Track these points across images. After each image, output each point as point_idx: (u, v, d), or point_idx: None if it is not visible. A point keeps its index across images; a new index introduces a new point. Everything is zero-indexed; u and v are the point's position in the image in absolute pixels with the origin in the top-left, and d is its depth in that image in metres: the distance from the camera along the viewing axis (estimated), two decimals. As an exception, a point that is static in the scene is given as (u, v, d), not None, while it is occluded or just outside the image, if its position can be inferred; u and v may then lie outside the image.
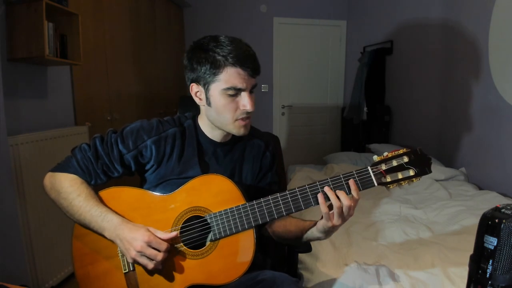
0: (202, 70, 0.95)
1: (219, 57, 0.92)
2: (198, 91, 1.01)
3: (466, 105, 2.73)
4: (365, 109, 3.82)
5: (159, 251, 0.88)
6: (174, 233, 0.91)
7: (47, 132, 1.95)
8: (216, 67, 0.93)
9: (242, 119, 0.98)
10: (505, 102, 2.33)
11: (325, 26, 4.58)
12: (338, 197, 0.88)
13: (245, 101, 0.95)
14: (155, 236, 0.89)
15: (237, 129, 0.99)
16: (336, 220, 0.89)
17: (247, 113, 0.97)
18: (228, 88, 0.94)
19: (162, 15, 3.72)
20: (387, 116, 3.79)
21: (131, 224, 0.91)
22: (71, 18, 2.00)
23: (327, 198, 0.89)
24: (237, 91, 0.95)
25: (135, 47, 3.12)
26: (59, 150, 1.99)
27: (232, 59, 0.92)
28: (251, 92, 0.97)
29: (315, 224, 0.97)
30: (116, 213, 0.94)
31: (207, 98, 0.99)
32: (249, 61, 0.93)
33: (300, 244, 1.09)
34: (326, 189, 0.89)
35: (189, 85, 1.02)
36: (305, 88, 4.69)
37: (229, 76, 0.93)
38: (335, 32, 4.63)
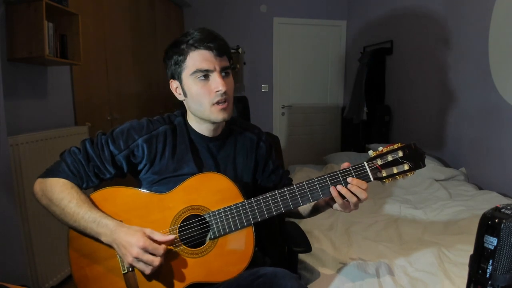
0: (172, 63, 0.97)
1: (183, 45, 0.94)
2: (176, 87, 1.01)
3: (466, 105, 2.73)
4: (365, 109, 3.81)
5: (155, 255, 0.85)
6: (172, 237, 0.89)
7: (47, 132, 1.94)
8: (181, 55, 0.95)
9: (218, 102, 0.95)
10: (505, 102, 2.33)
11: (325, 26, 4.57)
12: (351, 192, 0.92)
13: (216, 82, 0.94)
14: (151, 241, 0.86)
15: (215, 114, 0.96)
16: (353, 208, 0.95)
17: (222, 95, 0.94)
18: (195, 72, 0.94)
19: (162, 15, 3.72)
20: (387, 116, 3.79)
21: (126, 227, 0.88)
22: (71, 18, 2.00)
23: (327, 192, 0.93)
24: (205, 73, 0.94)
25: (135, 47, 3.11)
26: (59, 150, 1.94)
27: (193, 43, 0.93)
28: (225, 73, 0.96)
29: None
30: (111, 216, 0.91)
31: (183, 90, 0.99)
32: (211, 41, 0.92)
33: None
34: (339, 187, 0.92)
35: (170, 84, 1.02)
36: (305, 88, 4.68)
37: (193, 59, 0.94)
38: (335, 32, 4.63)
